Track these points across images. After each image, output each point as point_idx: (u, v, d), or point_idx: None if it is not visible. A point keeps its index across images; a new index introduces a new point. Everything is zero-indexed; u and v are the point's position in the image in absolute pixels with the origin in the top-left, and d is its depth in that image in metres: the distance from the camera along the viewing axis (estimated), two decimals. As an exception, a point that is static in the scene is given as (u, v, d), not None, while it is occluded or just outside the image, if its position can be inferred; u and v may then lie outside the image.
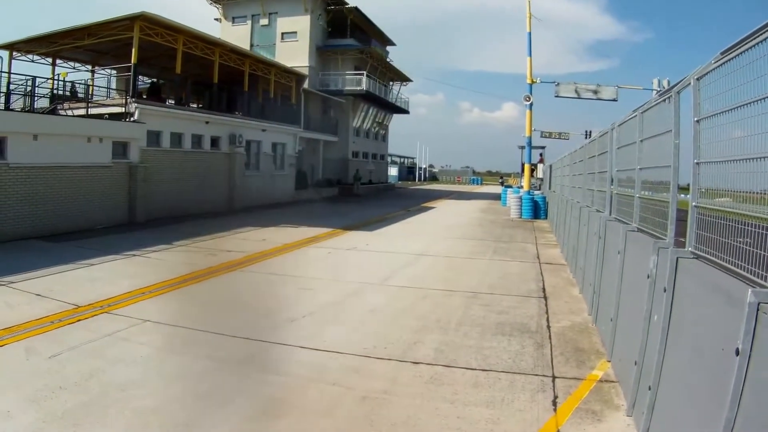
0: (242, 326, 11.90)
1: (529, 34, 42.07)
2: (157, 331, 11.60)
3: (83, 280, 15.96)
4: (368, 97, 64.29)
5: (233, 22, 59.98)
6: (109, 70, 39.42)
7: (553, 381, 9.22)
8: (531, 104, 42.37)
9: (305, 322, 12.42)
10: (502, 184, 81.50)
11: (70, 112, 29.51)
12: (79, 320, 12.04)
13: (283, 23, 58.09)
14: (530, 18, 41.90)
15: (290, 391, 8.66)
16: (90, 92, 34.01)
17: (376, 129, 74.68)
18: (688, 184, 6.23)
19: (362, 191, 61.70)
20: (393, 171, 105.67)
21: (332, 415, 7.86)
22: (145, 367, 9.61)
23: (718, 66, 5.44)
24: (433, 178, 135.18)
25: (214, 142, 37.52)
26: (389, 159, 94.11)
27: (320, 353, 10.36)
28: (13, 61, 36.16)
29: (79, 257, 18.91)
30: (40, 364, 9.49)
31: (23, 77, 28.92)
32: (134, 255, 19.98)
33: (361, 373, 9.41)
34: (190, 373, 9.33)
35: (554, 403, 8.32)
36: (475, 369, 9.66)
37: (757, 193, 4.76)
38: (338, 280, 16.93)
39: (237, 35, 55.54)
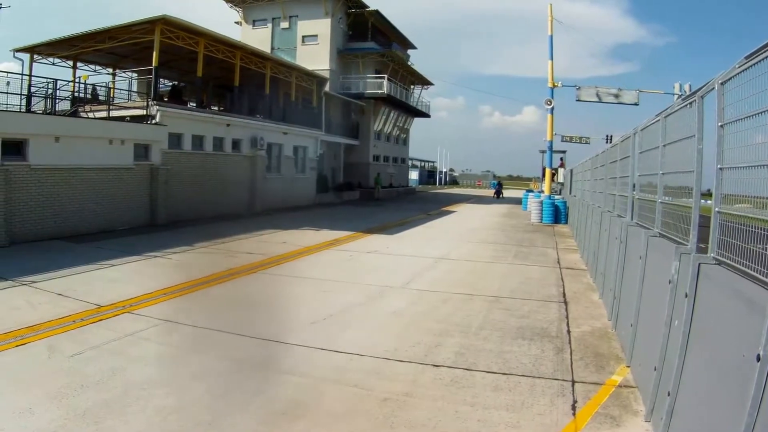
0: (263, 328, 11.96)
1: (551, 37, 41.87)
2: (178, 331, 11.72)
3: (104, 280, 16.11)
4: (389, 101, 64.04)
5: (254, 26, 60.02)
6: (130, 73, 39.82)
7: (573, 386, 9.21)
8: (552, 108, 42.19)
9: (326, 324, 12.46)
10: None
11: (91, 115, 29.87)
12: (100, 320, 12.17)
13: (304, 26, 57.97)
14: (552, 21, 41.74)
15: (310, 392, 8.67)
16: (111, 95, 34.19)
17: (397, 133, 74.49)
18: (709, 190, 6.22)
19: (383, 195, 61.73)
20: (413, 175, 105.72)
21: (352, 416, 7.87)
22: (166, 367, 9.71)
23: (743, 70, 5.41)
24: (454, 182, 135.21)
25: (236, 144, 37.65)
26: (410, 163, 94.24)
27: (340, 355, 10.39)
28: (34, 64, 36.45)
29: (101, 258, 19.09)
30: (62, 362, 9.61)
31: (44, 80, 29.18)
32: (155, 256, 20.15)
33: (381, 376, 9.42)
34: (210, 373, 9.37)
35: (573, 408, 8.32)
36: (496, 373, 9.65)
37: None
38: (359, 282, 16.91)
39: (258, 38, 55.65)
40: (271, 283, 16.94)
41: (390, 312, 13.72)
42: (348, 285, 16.60)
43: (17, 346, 10.33)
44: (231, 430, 7.37)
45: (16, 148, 22.45)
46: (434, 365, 9.95)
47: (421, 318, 13.22)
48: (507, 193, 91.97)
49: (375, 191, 60.80)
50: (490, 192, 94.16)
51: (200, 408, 8.01)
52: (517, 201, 59.04)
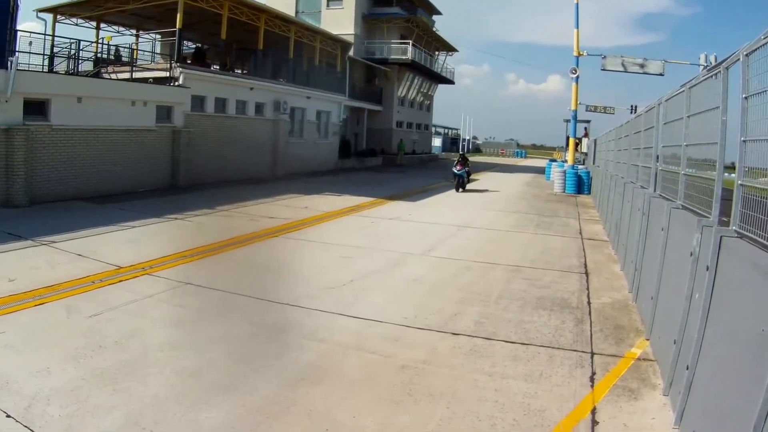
0: (283, 292, 11.93)
1: (577, 5, 41.19)
2: (198, 294, 11.73)
3: (125, 241, 16.19)
4: (414, 67, 63.54)
5: (278, -12, 59.62)
6: (153, 35, 39.60)
7: (592, 357, 9.19)
8: (577, 77, 41.67)
9: (346, 290, 12.41)
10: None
11: (114, 76, 29.79)
12: (120, 281, 12.19)
13: (329, -10, 57.54)
14: (578, -13, 41.11)
15: (329, 357, 8.68)
16: (134, 56, 33.81)
17: (421, 99, 74.00)
18: (733, 163, 6.07)
19: (406, 161, 61.45)
20: (437, 142, 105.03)
21: (370, 382, 7.87)
22: (185, 329, 9.72)
23: (768, 42, 5.25)
24: (477, 150, 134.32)
25: (259, 108, 37.52)
26: (433, 129, 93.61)
27: (360, 321, 10.38)
28: (56, 24, 36.34)
29: (121, 219, 19.15)
30: (80, 322, 9.62)
31: (67, 40, 29.07)
32: (176, 218, 20.20)
33: (400, 343, 9.41)
34: (229, 337, 9.38)
35: (592, 380, 8.30)
36: (515, 342, 9.63)
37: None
38: (380, 249, 16.89)
39: (282, 1, 55.11)
40: (292, 247, 16.84)
41: (410, 279, 13.67)
42: (369, 251, 16.59)
43: (36, 305, 10.34)
44: (250, 393, 7.37)
45: (38, 108, 22.40)
46: (453, 333, 9.93)
47: (442, 286, 13.14)
48: (530, 162, 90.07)
49: (398, 157, 60.56)
50: (514, 161, 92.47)
51: (219, 371, 8.01)
52: (540, 170, 58.44)
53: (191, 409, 6.87)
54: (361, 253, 16.31)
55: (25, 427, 6.26)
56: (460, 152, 38.42)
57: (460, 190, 35.41)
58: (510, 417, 7.04)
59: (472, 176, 41.00)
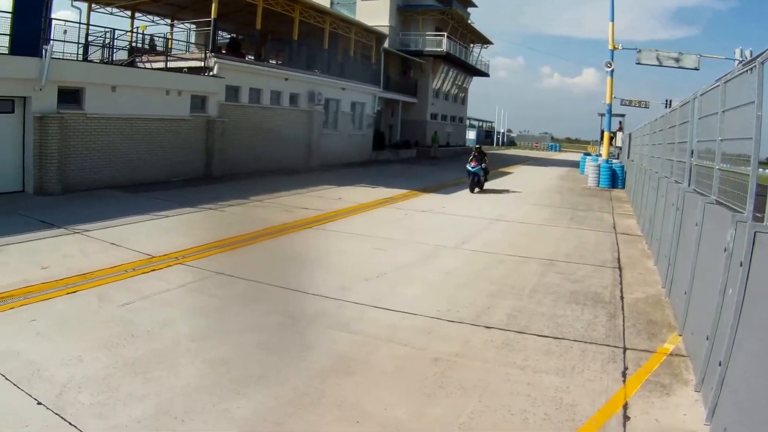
0: (315, 283, 11.88)
1: (612, -2, 40.72)
2: (231, 284, 11.69)
3: (158, 230, 16.26)
4: (448, 59, 63.16)
5: (314, -21, 59.46)
6: (188, 25, 39.62)
7: (624, 352, 9.11)
8: (612, 71, 41.13)
9: (379, 282, 12.34)
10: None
11: (148, 65, 29.76)
12: (153, 270, 12.21)
13: (364, -19, 57.36)
14: (613, -20, 40.52)
15: (361, 349, 8.65)
16: (169, 46, 34.15)
17: (456, 91, 73.56)
18: (768, 159, 5.94)
19: (440, 154, 60.96)
20: (471, 134, 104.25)
21: (402, 375, 7.84)
22: (217, 319, 9.68)
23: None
24: (511, 143, 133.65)
25: (293, 99, 37.42)
26: (467, 122, 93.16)
27: (393, 313, 10.31)
28: (91, 13, 36.41)
29: (155, 208, 19.18)
30: (112, 311, 9.62)
31: (102, 29, 29.30)
32: (210, 209, 20.18)
33: (433, 335, 9.35)
34: (261, 327, 9.36)
35: (624, 375, 8.23)
36: (547, 336, 9.58)
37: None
38: (413, 241, 16.77)
39: (317, -8, 55.21)
40: (325, 238, 16.77)
41: (444, 272, 13.57)
42: (402, 243, 16.47)
43: (68, 293, 10.34)
44: (281, 384, 7.33)
45: (72, 96, 22.51)
46: (486, 327, 9.87)
47: (475, 279, 13.05)
48: (564, 155, 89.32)
49: (432, 150, 60.11)
50: (548, 154, 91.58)
51: (251, 361, 7.98)
52: (574, 164, 57.87)
53: (222, 399, 6.85)
54: (394, 244, 16.22)
55: (56, 414, 6.24)
56: (476, 145, 31.89)
57: (476, 190, 29.49)
58: (541, 411, 7.01)
59: (506, 169, 40.17)
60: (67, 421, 6.14)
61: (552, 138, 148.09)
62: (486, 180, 30.90)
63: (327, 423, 6.49)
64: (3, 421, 6.11)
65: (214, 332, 9.00)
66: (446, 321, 10.03)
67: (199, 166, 28.93)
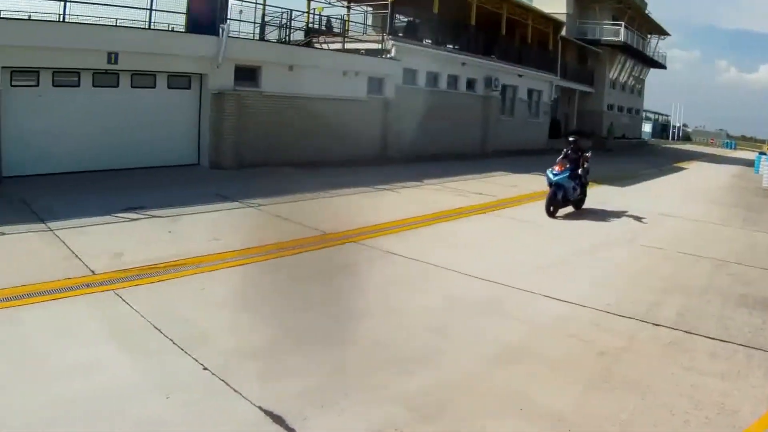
0: (492, 268, 11.21)
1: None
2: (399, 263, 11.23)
3: (335, 207, 16.10)
4: (625, 49, 59.39)
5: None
6: (365, 7, 38.20)
7: (792, 361, 8.11)
8: (794, 66, 36.36)
9: (550, 271, 11.62)
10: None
11: (325, 46, 29.30)
12: (323, 248, 11.95)
13: (542, -32, 54.35)
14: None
15: (529, 337, 8.20)
16: (346, 27, 33.38)
17: (632, 83, 69.22)
18: None
19: (614, 145, 56.89)
20: (646, 127, 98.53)
21: (567, 366, 7.36)
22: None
23: None
24: (686, 138, 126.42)
25: (470, 84, 35.74)
26: (643, 115, 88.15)
27: (562, 304, 9.68)
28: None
29: (329, 186, 18.72)
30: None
31: (278, 9, 28.97)
32: (384, 189, 19.54)
33: (600, 328, 8.75)
34: (427, 310, 8.91)
35: None
36: (714, 339, 8.70)
37: None
38: (584, 233, 15.51)
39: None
40: (499, 225, 15.89)
41: (613, 265, 12.67)
42: (574, 233, 15.35)
43: (241, 265, 10.32)
44: (451, 365, 7.08)
45: (249, 74, 22.27)
46: (653, 324, 9.11)
47: (644, 274, 12.08)
48: (739, 153, 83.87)
49: (607, 141, 56.25)
50: (723, 151, 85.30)
51: (419, 342, 7.68)
52: (749, 163, 53.11)
53: (388, 376, 6.62)
54: (567, 234, 15.18)
55: (221, 380, 6.16)
56: (571, 137, 18.00)
57: (560, 212, 16.91)
58: (703, 414, 6.40)
59: (680, 164, 35.53)
60: (231, 387, 6.04)
61: (728, 135, 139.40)
62: (582, 197, 17.78)
63: (490, 408, 6.17)
64: (171, 383, 6.04)
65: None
66: (614, 315, 9.38)
67: (375, 148, 27.94)
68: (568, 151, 17.11)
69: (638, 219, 17.97)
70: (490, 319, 8.76)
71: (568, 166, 16.49)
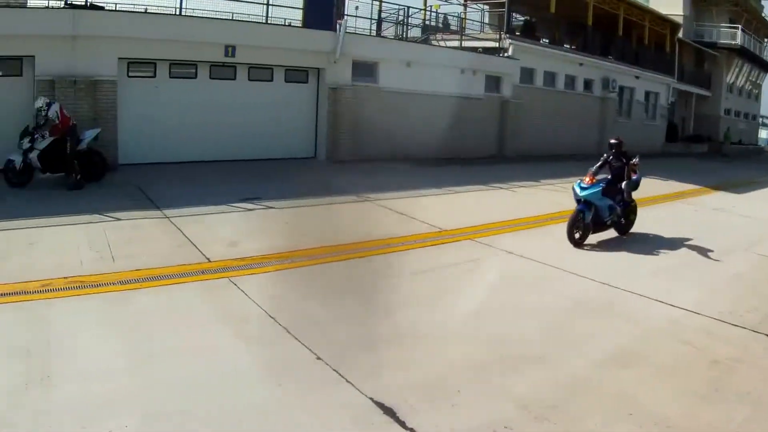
0: (604, 271, 10.72)
1: None
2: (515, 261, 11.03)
3: (449, 204, 15.78)
4: (742, 53, 55.85)
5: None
6: (481, 5, 37.43)
7: None
8: None
9: (665, 276, 10.87)
10: None
11: (442, 43, 28.66)
12: (442, 244, 11.70)
13: (656, -32, 52.35)
14: None
15: (641, 342, 7.80)
16: (462, 25, 32.67)
17: (749, 87, 65.48)
18: None
19: (730, 151, 53.98)
20: (763, 134, 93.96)
21: (679, 373, 6.96)
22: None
23: None
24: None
25: (587, 84, 34.45)
26: (760, 120, 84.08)
27: (676, 310, 9.13)
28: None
29: (446, 183, 18.38)
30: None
31: (395, 6, 28.33)
32: (499, 188, 19.11)
33: (713, 336, 8.26)
34: (544, 309, 8.63)
35: None
36: None
37: None
38: (701, 238, 14.20)
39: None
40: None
41: (730, 273, 11.72)
42: (691, 240, 14.07)
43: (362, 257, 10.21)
44: (562, 366, 6.83)
45: (366, 69, 22.20)
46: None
47: (762, 284, 11.25)
48: None
49: (723, 146, 53.52)
50: None
51: (531, 342, 7.42)
52: None
53: (501, 374, 6.44)
54: (682, 241, 13.93)
55: (334, 370, 6.09)
56: (613, 140, 13.10)
57: (577, 236, 12.21)
58: None
59: None
60: (343, 377, 5.94)
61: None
62: (624, 218, 13.27)
63: (600, 410, 5.92)
64: (284, 370, 6.10)
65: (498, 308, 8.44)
66: (728, 324, 8.83)
67: (491, 146, 27.27)
68: (609, 157, 12.92)
69: (757, 226, 16.96)
70: (602, 321, 8.45)
71: (603, 177, 12.74)
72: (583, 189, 12.13)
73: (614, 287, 9.85)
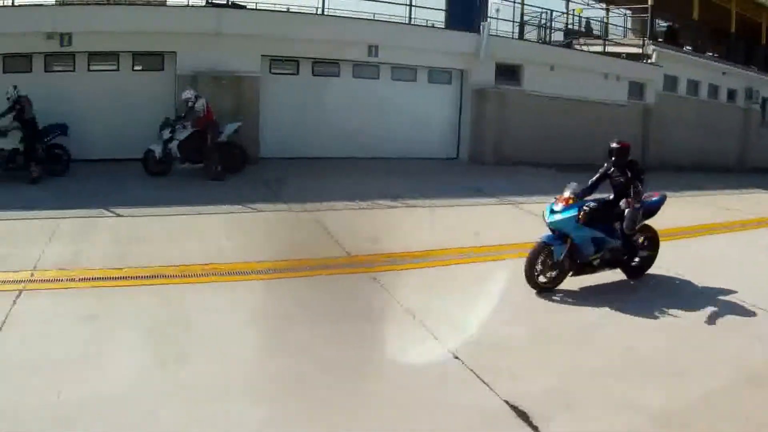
0: (741, 286, 9.63)
1: None
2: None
3: None
4: None
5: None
6: (624, 10, 36.45)
7: None
8: None
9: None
10: None
11: (585, 48, 28.16)
12: None
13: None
14: None
15: None
16: (605, 30, 31.98)
17: None
18: None
19: None
20: None
21: None
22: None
23: None
24: None
25: (730, 94, 32.75)
26: None
27: None
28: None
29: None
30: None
31: (537, 9, 28.20)
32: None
33: None
34: (665, 326, 7.96)
35: None
36: None
37: None
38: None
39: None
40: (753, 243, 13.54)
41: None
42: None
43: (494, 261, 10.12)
44: (695, 381, 6.46)
45: (509, 72, 22.11)
46: None
47: None
48: None
49: None
50: None
51: (666, 356, 7.08)
52: None
53: (630, 387, 6.14)
54: None
55: (470, 370, 6.14)
56: (614, 144, 9.46)
57: (543, 279, 8.51)
58: None
59: None
60: (480, 377, 5.99)
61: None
62: (637, 257, 9.50)
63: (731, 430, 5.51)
64: (422, 366, 6.17)
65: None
66: None
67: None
68: (610, 168, 9.37)
69: None
70: (738, 338, 7.78)
71: (595, 198, 9.09)
72: (552, 213, 8.65)
73: (748, 303, 8.80)
